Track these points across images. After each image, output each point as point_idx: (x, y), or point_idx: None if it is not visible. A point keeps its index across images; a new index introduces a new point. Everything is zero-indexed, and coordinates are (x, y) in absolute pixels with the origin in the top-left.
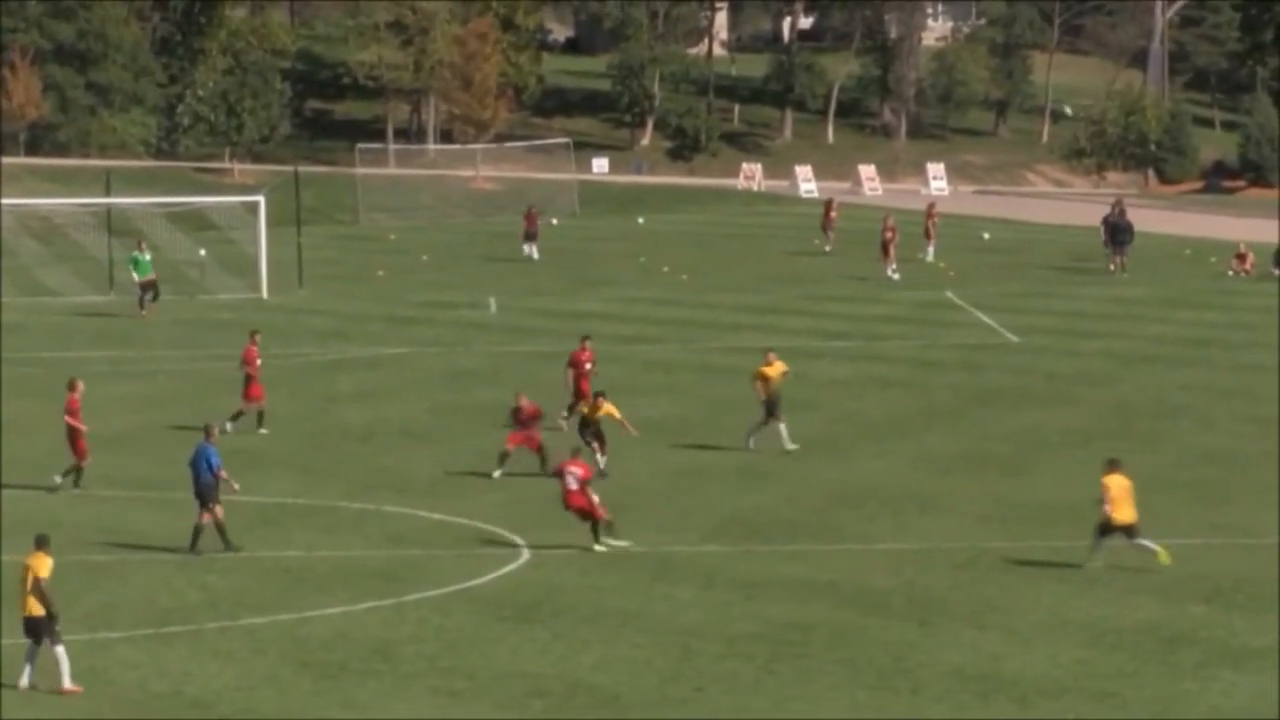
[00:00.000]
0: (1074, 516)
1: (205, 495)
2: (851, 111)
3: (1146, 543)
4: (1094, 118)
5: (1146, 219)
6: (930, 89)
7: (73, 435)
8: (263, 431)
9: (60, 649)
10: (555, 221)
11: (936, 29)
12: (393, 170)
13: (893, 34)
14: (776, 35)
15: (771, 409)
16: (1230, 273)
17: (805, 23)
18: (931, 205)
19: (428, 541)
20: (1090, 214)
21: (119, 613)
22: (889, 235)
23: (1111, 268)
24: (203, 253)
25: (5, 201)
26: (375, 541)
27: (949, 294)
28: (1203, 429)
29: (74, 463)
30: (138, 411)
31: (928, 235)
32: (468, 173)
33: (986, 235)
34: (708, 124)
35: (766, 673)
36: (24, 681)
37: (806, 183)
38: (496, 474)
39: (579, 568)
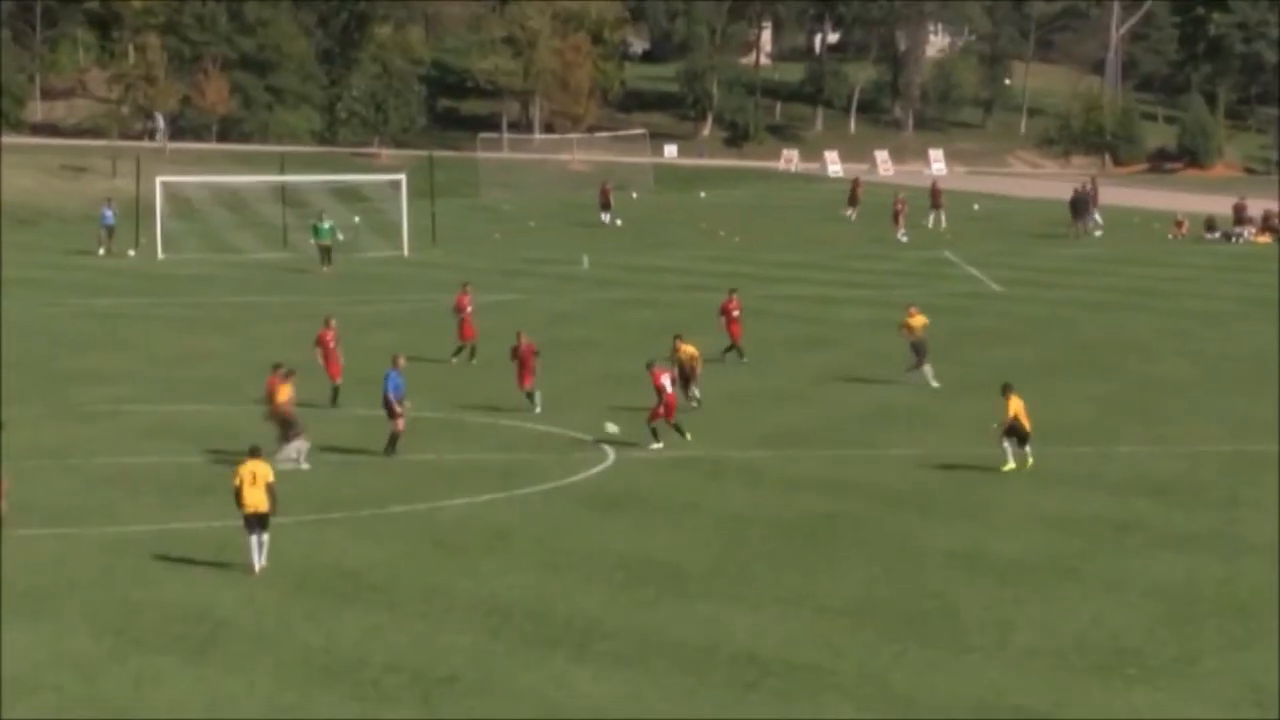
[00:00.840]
0: (1044, 430)
1: (390, 409)
2: (869, 108)
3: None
4: (1061, 113)
5: (1104, 195)
6: (931, 90)
7: (328, 360)
8: (474, 363)
9: (266, 537)
10: (635, 195)
11: (937, 43)
12: (506, 155)
13: (902, 47)
14: (810, 48)
15: (919, 353)
16: (1170, 236)
17: (833, 38)
18: (935, 185)
19: (534, 447)
20: (1059, 190)
21: (291, 502)
22: (899, 206)
23: (1070, 234)
24: (357, 219)
25: (201, 179)
26: (492, 447)
27: (946, 253)
28: (1148, 361)
29: (333, 384)
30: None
31: (936, 207)
32: (565, 157)
33: (976, 206)
34: (755, 118)
35: (800, 552)
36: (258, 564)
37: (834, 165)
38: (538, 410)
39: (652, 468)
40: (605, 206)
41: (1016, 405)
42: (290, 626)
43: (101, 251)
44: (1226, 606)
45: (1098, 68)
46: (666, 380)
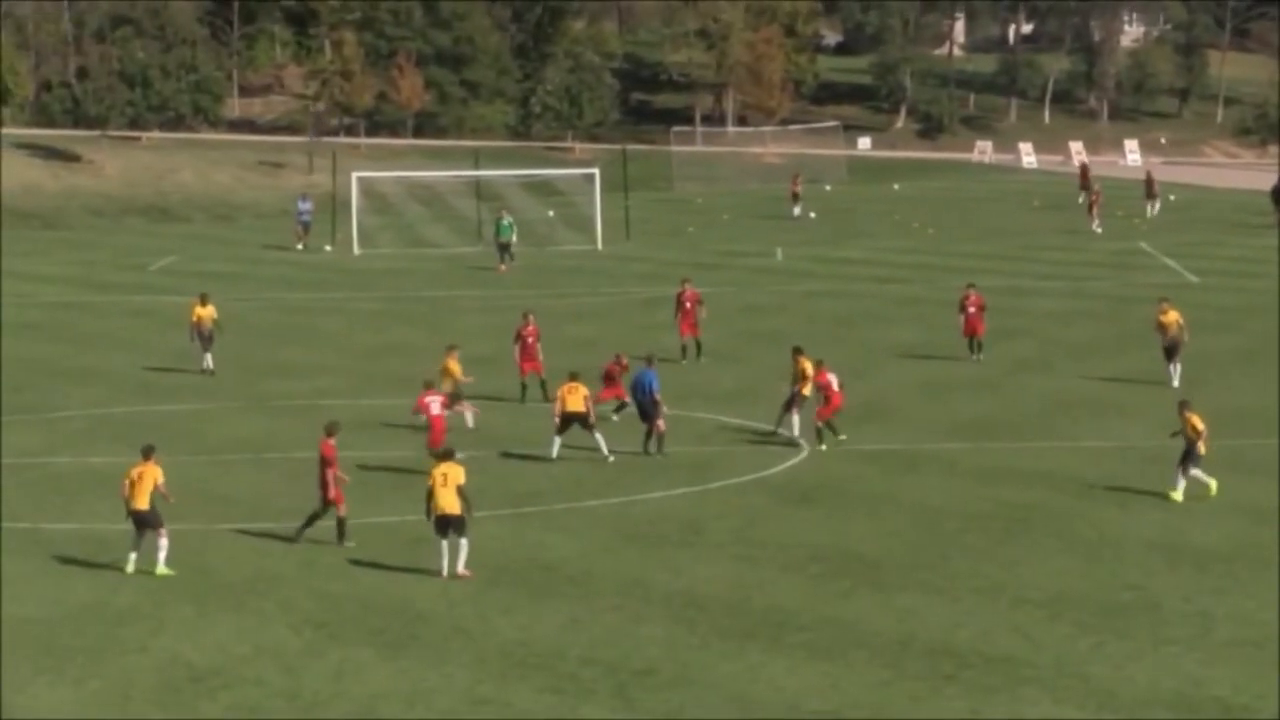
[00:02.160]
0: (1240, 420)
1: (646, 411)
2: (1063, 99)
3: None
4: (1259, 102)
5: None
6: (1126, 80)
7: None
8: (702, 361)
9: (463, 541)
10: (828, 188)
11: (1131, 32)
12: (699, 148)
13: (1096, 37)
14: (1003, 38)
15: (1170, 351)
16: None
17: (1026, 28)
18: (1150, 175)
19: (728, 440)
20: (1256, 180)
21: (487, 496)
22: (1094, 197)
23: (1274, 223)
24: (550, 213)
25: (396, 174)
26: (686, 440)
27: (1142, 244)
28: None
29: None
30: (498, 338)
31: (1151, 196)
32: (759, 150)
33: (1172, 197)
34: (948, 110)
35: (996, 544)
36: (446, 568)
37: (1028, 157)
38: (615, 417)
39: (846, 460)
40: (795, 199)
41: (1195, 421)
42: (486, 619)
43: (299, 246)
44: None
45: None
46: (834, 380)
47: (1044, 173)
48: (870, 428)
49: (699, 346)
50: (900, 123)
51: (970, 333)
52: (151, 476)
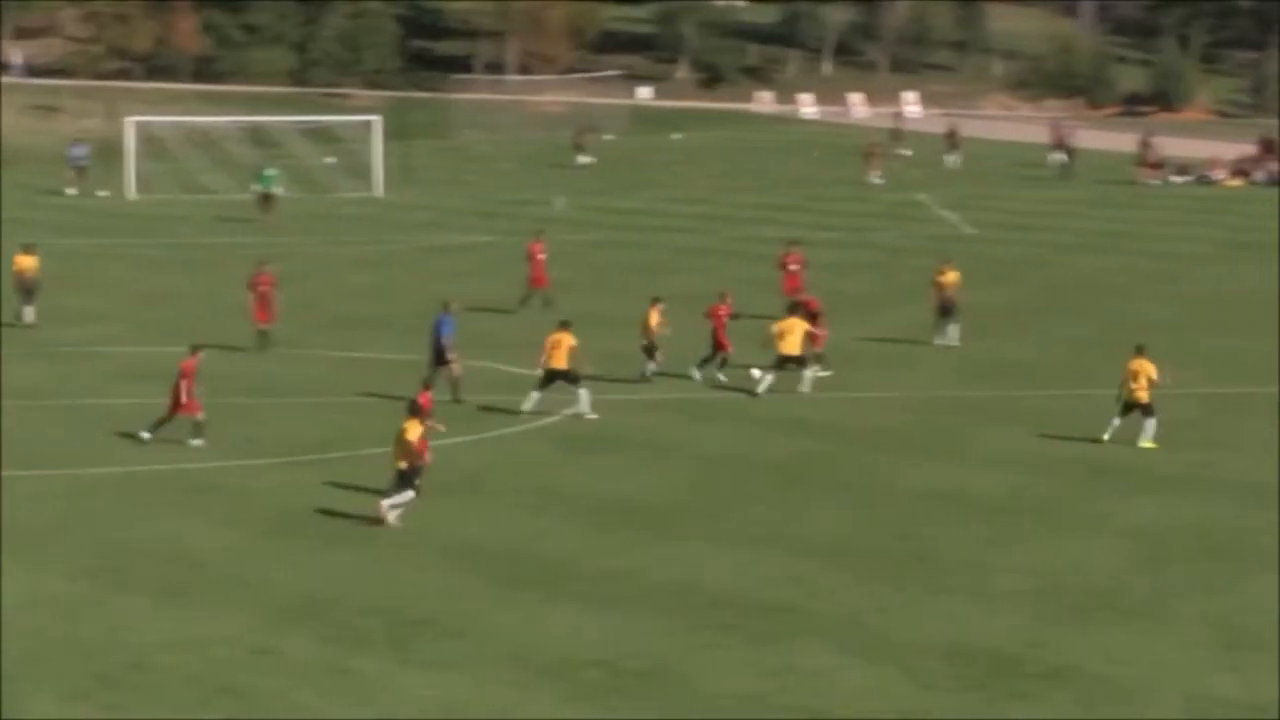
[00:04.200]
0: (1020, 372)
1: (442, 355)
2: (844, 51)
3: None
4: (1035, 56)
5: (1079, 137)
6: (907, 32)
7: (265, 305)
8: (548, 311)
9: (410, 494)
10: (609, 137)
11: None
12: (481, 96)
13: None
14: None
15: (946, 309)
16: (1142, 181)
17: None
18: (953, 128)
19: (511, 389)
20: (1032, 133)
21: (261, 445)
22: (873, 149)
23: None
24: (330, 160)
25: (172, 119)
26: (469, 389)
27: (920, 196)
28: (1123, 303)
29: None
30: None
31: (953, 149)
32: (540, 98)
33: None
34: (729, 60)
35: (778, 493)
36: (384, 506)
37: (807, 108)
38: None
39: (629, 410)
40: (580, 148)
41: (1140, 367)
42: (265, 569)
43: (73, 191)
44: (1200, 549)
45: (1071, 10)
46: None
47: (824, 124)
48: (654, 376)
49: (549, 300)
50: (681, 72)
51: (790, 291)
52: None
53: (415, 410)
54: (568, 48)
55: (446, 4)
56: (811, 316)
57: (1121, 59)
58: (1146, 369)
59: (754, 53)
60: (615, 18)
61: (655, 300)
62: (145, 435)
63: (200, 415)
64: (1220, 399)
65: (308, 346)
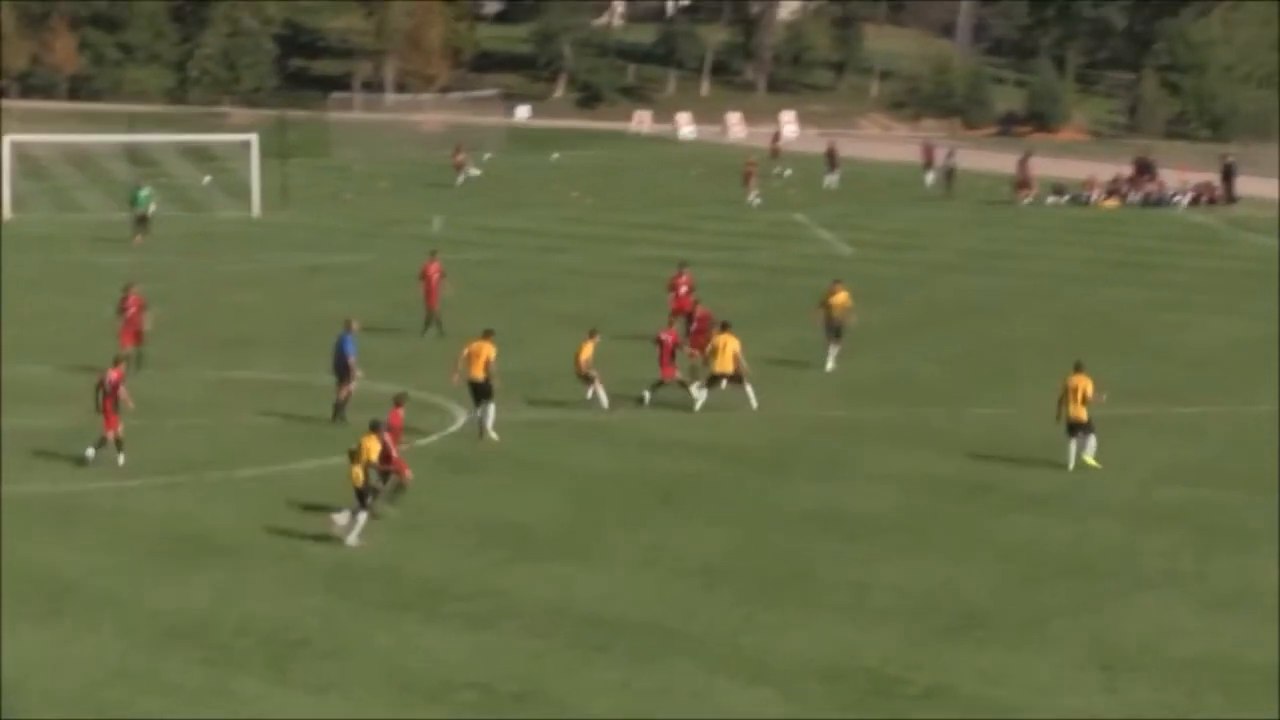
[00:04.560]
0: (897, 392)
1: (347, 373)
2: (722, 70)
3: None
4: (912, 76)
5: (959, 157)
6: (784, 52)
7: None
8: (442, 335)
9: (363, 516)
10: (487, 156)
11: (789, 5)
12: (359, 115)
13: (754, 9)
14: (662, 9)
15: (837, 331)
16: (1020, 200)
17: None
18: (832, 147)
19: (384, 408)
20: (909, 153)
21: (138, 466)
22: (750, 169)
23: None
24: (207, 179)
25: (49, 138)
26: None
27: (798, 215)
28: (999, 322)
29: (132, 351)
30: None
31: (833, 168)
32: (418, 117)
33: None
34: (608, 80)
35: (654, 513)
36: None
37: (686, 127)
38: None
39: (504, 430)
40: (459, 168)
41: (1078, 383)
42: (139, 590)
43: None
44: (1074, 567)
45: (948, 31)
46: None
47: (702, 143)
48: (532, 397)
49: (439, 322)
50: (560, 92)
51: (678, 311)
52: None
53: (375, 428)
54: (446, 67)
55: (324, 23)
56: (698, 331)
57: (998, 79)
58: (1084, 385)
59: (632, 72)
60: (493, 37)
61: (593, 333)
62: (90, 453)
63: (117, 431)
64: (1093, 419)
65: (184, 366)
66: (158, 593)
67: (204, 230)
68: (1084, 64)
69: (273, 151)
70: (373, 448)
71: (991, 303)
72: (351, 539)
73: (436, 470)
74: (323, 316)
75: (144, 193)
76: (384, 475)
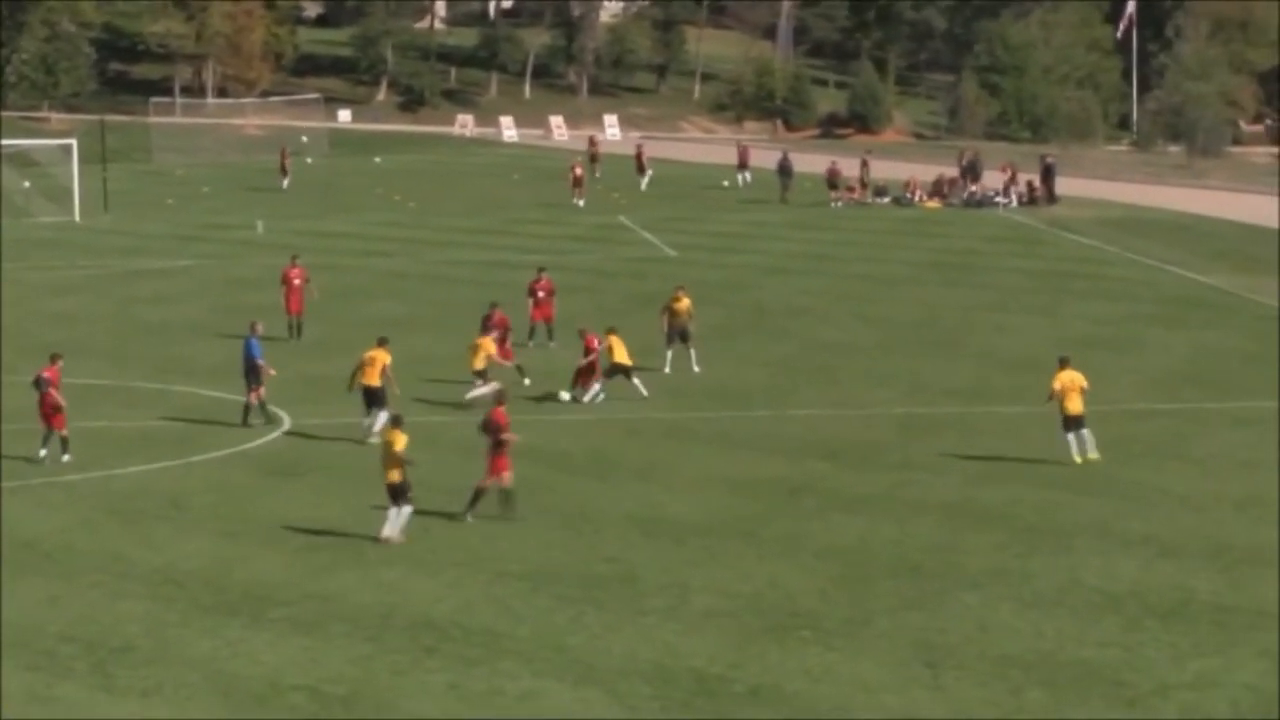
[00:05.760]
0: (720, 394)
1: (257, 376)
2: (544, 73)
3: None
4: (733, 79)
5: (773, 159)
6: (606, 55)
7: None
8: (300, 340)
9: (408, 509)
10: (310, 160)
11: (610, 7)
12: (179, 119)
13: (576, 12)
14: (484, 12)
15: (683, 335)
16: (839, 202)
17: (507, 3)
18: (640, 150)
19: (209, 414)
20: (731, 155)
21: None
22: (576, 172)
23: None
24: (26, 185)
25: None
26: (167, 414)
27: (621, 218)
28: (822, 324)
29: None
30: None
31: (641, 171)
32: (239, 121)
33: (650, 172)
34: (430, 83)
35: (480, 517)
36: (385, 532)
37: (509, 130)
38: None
39: (328, 435)
40: (284, 171)
41: (1066, 380)
42: None
43: None
44: (899, 567)
45: (769, 33)
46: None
47: (525, 146)
48: (354, 402)
49: (300, 327)
50: (381, 95)
51: (541, 318)
52: None
53: (398, 422)
54: (266, 71)
55: (144, 28)
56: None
57: (820, 82)
58: (1078, 380)
59: (454, 76)
60: (314, 40)
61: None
62: (43, 453)
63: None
64: (915, 420)
65: (5, 373)
66: None
67: (24, 236)
68: (905, 66)
69: (93, 156)
70: (398, 441)
71: (815, 305)
72: (398, 535)
73: (259, 475)
74: (145, 322)
75: None
76: None
